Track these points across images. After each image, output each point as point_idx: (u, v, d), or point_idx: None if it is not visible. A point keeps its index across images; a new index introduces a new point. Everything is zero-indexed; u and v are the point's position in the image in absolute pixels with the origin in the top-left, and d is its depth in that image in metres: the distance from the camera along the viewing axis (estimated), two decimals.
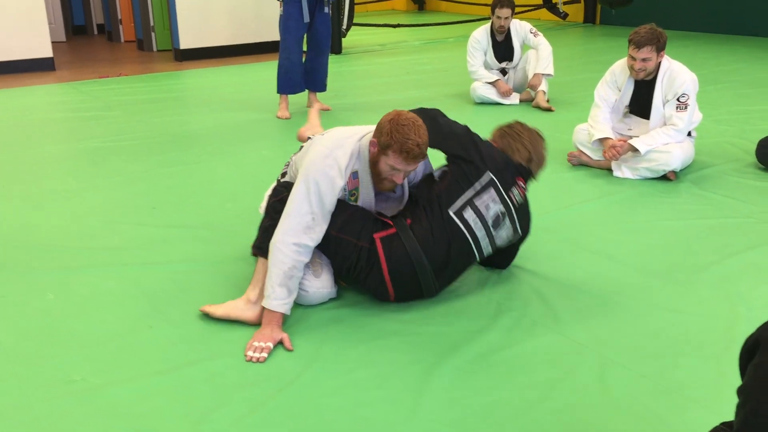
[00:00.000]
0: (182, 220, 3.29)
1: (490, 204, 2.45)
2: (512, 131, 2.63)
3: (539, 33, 5.64)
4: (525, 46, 5.73)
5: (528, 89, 5.71)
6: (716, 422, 1.49)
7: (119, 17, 10.14)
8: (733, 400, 1.21)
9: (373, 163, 2.40)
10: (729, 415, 1.30)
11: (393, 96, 6.08)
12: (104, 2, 10.55)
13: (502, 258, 2.73)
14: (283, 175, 2.78)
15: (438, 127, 2.59)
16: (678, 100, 3.75)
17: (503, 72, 5.79)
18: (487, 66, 5.74)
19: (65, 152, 4.52)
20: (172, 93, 6.49)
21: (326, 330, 2.32)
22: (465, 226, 2.42)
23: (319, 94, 5.63)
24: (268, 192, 2.69)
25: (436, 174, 2.59)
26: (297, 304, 2.42)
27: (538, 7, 11.29)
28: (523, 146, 2.57)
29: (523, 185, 2.57)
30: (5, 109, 5.78)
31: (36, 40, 7.58)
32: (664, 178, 3.80)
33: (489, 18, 5.72)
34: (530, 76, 5.60)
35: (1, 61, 7.41)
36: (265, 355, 2.15)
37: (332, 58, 6.30)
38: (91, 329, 2.33)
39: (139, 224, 3.24)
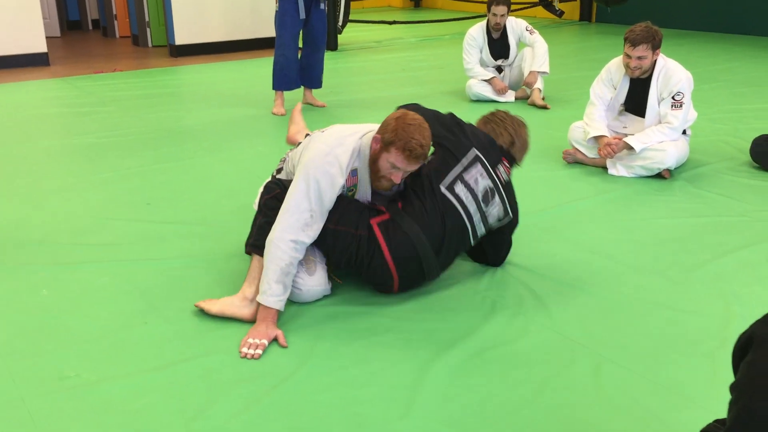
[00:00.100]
0: (177, 216, 3.28)
1: (479, 178, 2.51)
2: (495, 118, 2.72)
3: (535, 30, 5.64)
4: (521, 44, 5.73)
5: (523, 87, 5.71)
6: (710, 420, 1.50)
7: (114, 12, 10.10)
8: (727, 398, 1.21)
9: (374, 160, 2.41)
10: (722, 412, 1.31)
11: (388, 93, 6.07)
12: None
13: (495, 253, 2.74)
14: (279, 171, 2.77)
15: (423, 111, 2.66)
16: (673, 98, 3.75)
17: (499, 69, 5.79)
18: (483, 63, 5.73)
19: (59, 147, 4.50)
20: (167, 89, 6.47)
21: (321, 327, 2.32)
22: (457, 201, 2.47)
23: (314, 91, 5.62)
24: (262, 189, 2.68)
25: None
26: (291, 302, 2.42)
27: (534, 4, 11.28)
28: (505, 131, 2.66)
29: (507, 165, 2.64)
30: None
31: (30, 35, 7.55)
32: (659, 176, 3.81)
33: (485, 15, 5.72)
34: (526, 73, 5.60)
35: None
36: (259, 352, 2.15)
37: (328, 55, 6.29)
38: (85, 325, 2.33)
39: (134, 220, 3.23)
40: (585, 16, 11.48)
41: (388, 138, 2.33)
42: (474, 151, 2.54)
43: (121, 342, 2.23)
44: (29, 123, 5.13)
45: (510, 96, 5.70)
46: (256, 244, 2.41)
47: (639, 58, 3.73)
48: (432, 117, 2.63)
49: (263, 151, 4.35)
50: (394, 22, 10.36)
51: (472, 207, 2.49)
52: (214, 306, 2.36)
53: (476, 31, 5.67)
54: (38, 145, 4.53)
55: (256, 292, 2.33)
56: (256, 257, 2.40)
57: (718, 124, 4.88)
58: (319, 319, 2.37)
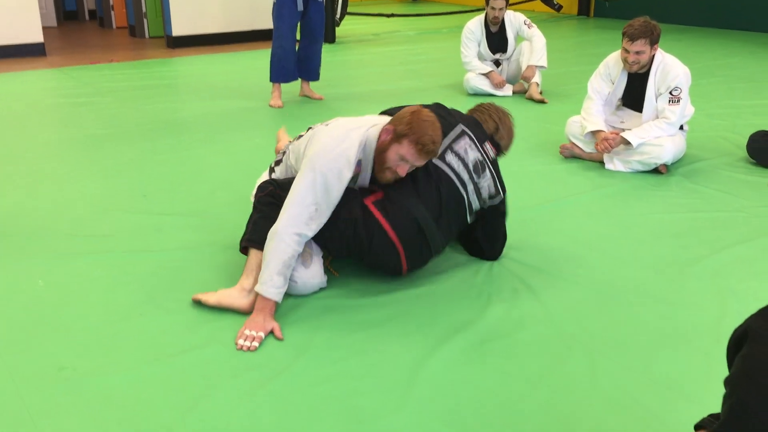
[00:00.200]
0: (174, 208, 3.28)
1: (468, 150, 2.58)
2: (480, 107, 2.84)
3: (533, 24, 5.64)
4: (519, 38, 5.72)
5: (521, 81, 5.70)
6: (704, 414, 1.51)
7: (111, 3, 10.06)
8: (721, 393, 1.22)
9: (381, 151, 2.41)
10: (716, 407, 1.31)
11: (386, 86, 6.06)
12: None
13: (491, 246, 2.75)
14: (277, 163, 2.77)
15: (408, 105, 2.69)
16: (671, 93, 3.75)
17: (497, 63, 5.78)
18: (481, 57, 5.73)
19: (55, 138, 4.49)
20: (164, 80, 6.45)
21: (317, 319, 2.33)
22: (450, 169, 2.52)
23: (311, 84, 5.61)
24: (259, 181, 2.68)
25: None
26: (287, 294, 2.42)
27: None
28: (490, 117, 2.76)
29: (493, 147, 2.71)
30: None
31: (27, 25, 7.52)
32: (656, 171, 3.81)
33: (483, 9, 5.71)
34: (524, 67, 5.59)
35: None
36: (256, 344, 2.15)
37: (325, 48, 6.27)
38: (81, 317, 2.33)
39: (130, 212, 3.22)
40: (583, 11, 11.47)
41: (402, 130, 2.36)
42: (461, 126, 2.63)
43: (118, 334, 2.23)
44: (25, 113, 5.12)
45: (508, 90, 5.70)
46: (251, 239, 2.41)
47: (637, 52, 3.72)
48: (419, 105, 2.65)
49: (260, 143, 4.34)
50: (393, 15, 10.34)
51: (464, 176, 2.54)
52: (211, 297, 2.36)
53: (474, 25, 5.66)
54: (34, 135, 4.51)
55: (254, 283, 2.34)
56: (252, 250, 2.40)
57: (716, 120, 4.88)
58: (316, 312, 2.37)
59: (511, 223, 2.86)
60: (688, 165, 3.94)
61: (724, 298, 2.49)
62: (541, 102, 5.44)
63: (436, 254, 2.57)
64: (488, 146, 2.66)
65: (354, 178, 2.47)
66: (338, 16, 8.58)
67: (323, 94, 5.59)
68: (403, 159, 2.38)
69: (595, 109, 3.96)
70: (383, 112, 2.75)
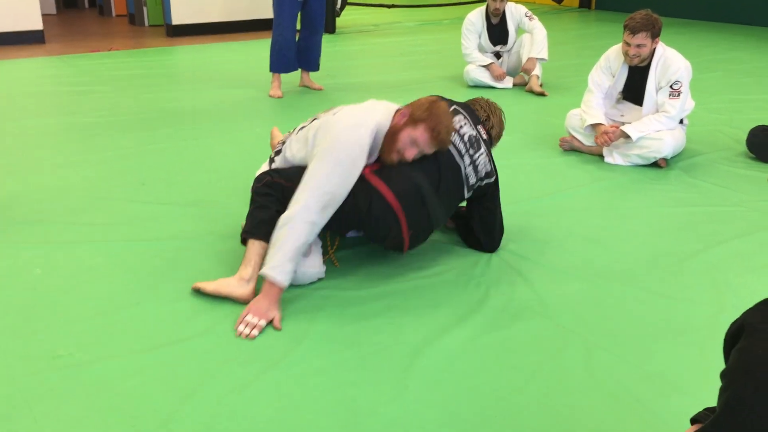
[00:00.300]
0: (172, 197, 3.27)
1: (464, 125, 2.65)
2: (471, 100, 2.90)
3: (534, 17, 5.62)
4: (520, 30, 5.70)
5: (522, 73, 5.69)
6: (700, 408, 1.51)
7: None
8: (717, 387, 1.22)
9: (393, 132, 2.44)
10: (712, 401, 1.31)
11: (386, 77, 6.05)
12: None
13: (488, 237, 2.74)
14: (277, 153, 2.75)
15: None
16: (671, 87, 3.75)
17: (497, 55, 5.77)
18: (482, 49, 5.71)
19: (54, 126, 4.48)
20: (163, 69, 6.43)
21: (314, 310, 2.33)
22: None
23: (311, 74, 5.59)
24: (259, 173, 2.67)
25: None
26: None
27: None
28: (480, 107, 2.84)
29: (485, 131, 2.76)
30: None
31: (26, 12, 7.49)
32: (655, 165, 3.81)
33: (484, 1, 5.69)
34: (524, 60, 5.58)
35: None
36: (255, 332, 2.15)
37: (326, 38, 6.26)
38: (78, 305, 2.33)
39: (128, 200, 3.22)
40: (584, 3, 11.44)
41: (420, 115, 2.43)
42: (455, 106, 2.72)
43: (114, 322, 2.23)
44: (24, 101, 5.10)
45: (508, 82, 5.68)
46: (249, 231, 2.42)
47: (638, 46, 3.71)
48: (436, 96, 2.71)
49: (259, 132, 4.33)
50: (393, 6, 10.30)
51: (461, 146, 2.58)
52: (209, 285, 2.36)
53: (475, 17, 5.65)
54: (33, 123, 4.50)
55: (253, 273, 2.34)
56: (251, 240, 2.40)
57: (716, 114, 4.88)
58: (313, 303, 2.37)
59: (509, 215, 2.86)
60: (687, 159, 3.93)
61: (721, 292, 2.50)
62: (542, 94, 5.43)
63: (437, 226, 2.58)
64: (481, 129, 2.73)
65: None
66: (338, 6, 8.56)
67: (323, 84, 5.57)
68: (414, 143, 2.43)
69: (595, 102, 3.95)
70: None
